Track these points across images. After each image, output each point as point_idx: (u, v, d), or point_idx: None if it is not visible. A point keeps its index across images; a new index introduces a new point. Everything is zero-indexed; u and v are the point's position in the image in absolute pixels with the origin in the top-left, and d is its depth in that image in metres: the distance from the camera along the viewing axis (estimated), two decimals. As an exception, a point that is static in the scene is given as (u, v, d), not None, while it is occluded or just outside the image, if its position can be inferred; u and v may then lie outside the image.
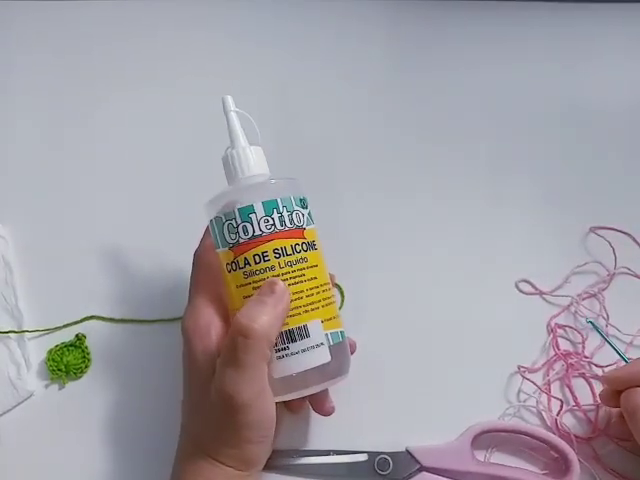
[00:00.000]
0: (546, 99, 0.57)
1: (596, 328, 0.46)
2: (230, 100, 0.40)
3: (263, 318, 0.35)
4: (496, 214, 0.52)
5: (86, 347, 0.47)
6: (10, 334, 0.47)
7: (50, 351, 0.47)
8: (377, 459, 0.43)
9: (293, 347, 0.37)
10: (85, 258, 0.50)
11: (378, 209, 0.52)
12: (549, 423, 0.45)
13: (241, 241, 0.37)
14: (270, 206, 0.37)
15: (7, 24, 0.59)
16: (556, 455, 0.43)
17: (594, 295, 0.49)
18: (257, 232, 0.37)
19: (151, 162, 0.53)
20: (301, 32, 0.59)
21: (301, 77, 0.57)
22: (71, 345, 0.47)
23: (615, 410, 0.44)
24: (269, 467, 0.42)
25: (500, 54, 0.59)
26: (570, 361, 0.46)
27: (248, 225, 0.37)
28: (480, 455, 0.44)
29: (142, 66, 0.58)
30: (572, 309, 0.48)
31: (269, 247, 0.37)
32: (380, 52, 0.59)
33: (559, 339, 0.47)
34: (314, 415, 0.44)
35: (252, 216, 0.37)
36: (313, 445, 0.44)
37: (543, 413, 0.45)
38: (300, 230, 0.38)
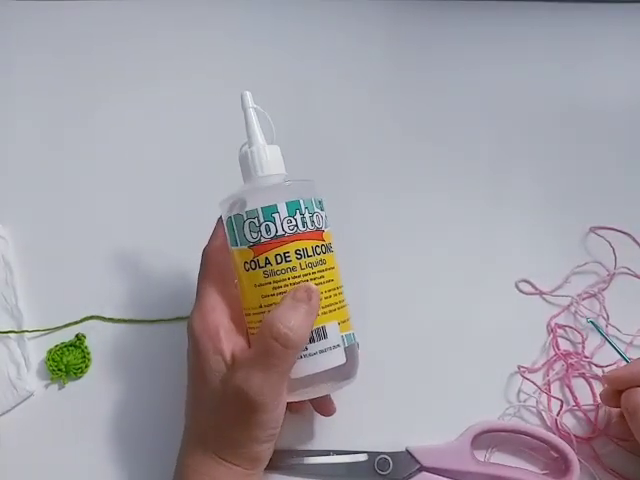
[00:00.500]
0: (546, 99, 0.57)
1: (597, 327, 0.46)
2: (249, 96, 0.39)
3: (301, 327, 0.35)
4: (496, 214, 0.52)
5: (86, 347, 0.47)
6: (10, 334, 0.47)
7: (50, 351, 0.47)
8: (377, 459, 0.43)
9: (312, 348, 0.36)
10: (85, 258, 0.50)
11: (378, 209, 0.52)
12: (549, 423, 0.45)
13: (263, 240, 0.37)
14: (293, 207, 0.37)
15: (7, 24, 0.59)
16: (556, 455, 0.43)
17: (594, 295, 0.49)
18: (280, 232, 0.37)
19: (151, 162, 0.53)
20: (301, 32, 0.60)
21: (301, 77, 0.57)
22: (71, 345, 0.47)
23: (615, 410, 0.44)
24: (269, 467, 0.41)
25: (500, 54, 0.59)
26: (570, 361, 0.46)
27: (271, 224, 0.37)
28: (480, 455, 0.44)
29: (142, 66, 0.58)
30: (572, 309, 0.48)
31: (291, 248, 0.37)
32: (380, 52, 0.59)
33: (559, 339, 0.47)
34: (314, 415, 0.44)
35: (275, 216, 0.37)
36: (313, 445, 0.44)
37: (543, 413, 0.45)
38: (319, 232, 0.38)
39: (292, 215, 0.37)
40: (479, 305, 0.49)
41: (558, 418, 0.44)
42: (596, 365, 0.46)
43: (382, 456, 0.43)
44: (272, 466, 0.42)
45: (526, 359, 0.47)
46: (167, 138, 0.54)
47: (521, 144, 0.55)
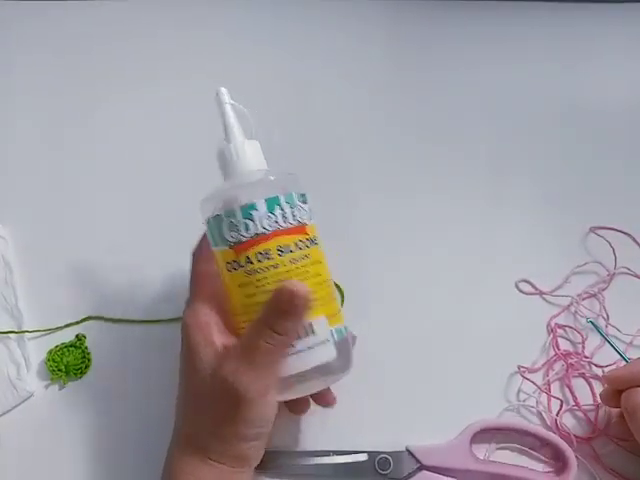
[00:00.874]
0: (546, 99, 0.57)
1: (596, 327, 0.46)
2: (225, 92, 0.39)
3: (291, 329, 0.35)
4: (496, 214, 0.52)
5: (86, 347, 0.47)
6: (10, 334, 0.47)
7: (50, 351, 0.47)
8: (377, 459, 0.43)
9: (299, 345, 0.36)
10: (85, 258, 0.50)
11: (378, 209, 0.52)
12: (549, 423, 0.45)
13: (243, 239, 0.36)
14: (272, 203, 0.36)
15: (7, 24, 0.59)
16: (555, 454, 0.43)
17: (594, 295, 0.49)
18: (260, 230, 0.36)
19: (151, 162, 0.53)
20: (301, 32, 0.60)
21: (301, 77, 0.57)
22: (71, 345, 0.47)
23: (615, 410, 0.44)
24: (269, 468, 0.42)
25: (500, 54, 0.59)
26: (570, 361, 0.46)
27: (250, 223, 0.36)
28: (480, 453, 0.44)
29: (142, 66, 0.58)
30: (572, 309, 0.48)
31: (272, 245, 0.36)
32: (380, 52, 0.59)
33: (559, 339, 0.47)
34: (314, 415, 0.44)
35: (254, 213, 0.36)
36: (313, 445, 0.44)
37: (543, 413, 0.45)
38: (302, 226, 0.37)
39: (271, 211, 0.36)
40: (479, 305, 0.49)
41: (558, 418, 0.44)
42: (596, 365, 0.46)
43: (382, 456, 0.43)
44: (271, 467, 0.42)
45: (526, 359, 0.47)
46: (167, 138, 0.54)
47: (521, 144, 0.55)
